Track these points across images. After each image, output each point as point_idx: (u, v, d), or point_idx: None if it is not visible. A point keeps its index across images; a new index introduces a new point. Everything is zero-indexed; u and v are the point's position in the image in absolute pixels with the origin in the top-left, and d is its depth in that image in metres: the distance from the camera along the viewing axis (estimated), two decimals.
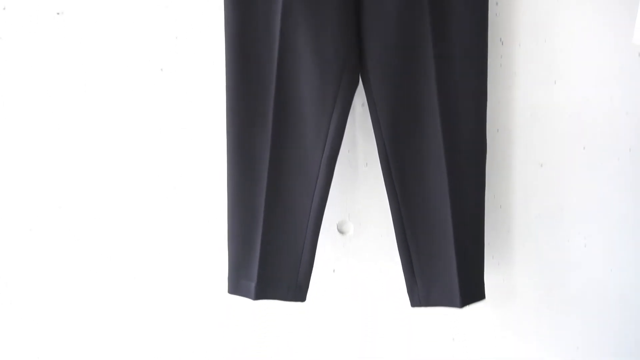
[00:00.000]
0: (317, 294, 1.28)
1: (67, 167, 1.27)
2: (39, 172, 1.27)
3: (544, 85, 1.27)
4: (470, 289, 1.18)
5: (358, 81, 1.14)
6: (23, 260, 1.29)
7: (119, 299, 1.31)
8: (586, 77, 1.27)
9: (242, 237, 1.17)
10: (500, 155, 1.28)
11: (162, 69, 1.23)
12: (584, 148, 1.30)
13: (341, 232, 1.30)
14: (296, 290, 1.17)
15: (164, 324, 1.32)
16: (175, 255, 1.30)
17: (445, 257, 1.16)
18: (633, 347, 1.36)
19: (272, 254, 1.16)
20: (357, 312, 1.34)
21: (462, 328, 1.34)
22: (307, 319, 1.33)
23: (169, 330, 1.33)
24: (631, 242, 1.33)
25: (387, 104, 1.13)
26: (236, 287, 1.19)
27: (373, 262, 1.31)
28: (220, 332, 1.33)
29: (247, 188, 1.15)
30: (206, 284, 1.31)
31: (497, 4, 1.21)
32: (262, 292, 1.16)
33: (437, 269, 1.18)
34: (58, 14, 1.21)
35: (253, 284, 1.16)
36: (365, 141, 1.26)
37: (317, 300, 1.29)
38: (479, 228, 1.20)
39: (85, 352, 1.32)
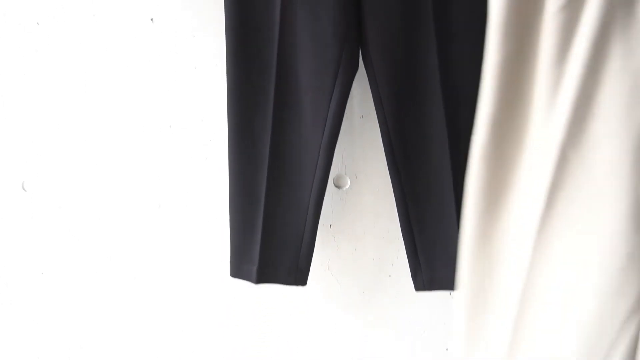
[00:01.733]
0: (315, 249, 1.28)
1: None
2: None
3: None
4: None
5: (357, 66, 1.13)
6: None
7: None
8: None
9: (243, 221, 1.17)
10: None
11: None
12: None
13: (338, 186, 1.30)
14: (297, 274, 1.18)
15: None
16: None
17: (449, 234, 1.14)
18: None
19: (273, 238, 1.17)
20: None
21: None
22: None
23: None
24: None
25: (387, 72, 1.11)
26: (238, 270, 1.20)
27: (370, 216, 1.31)
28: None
29: (248, 173, 1.16)
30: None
31: None
32: (264, 275, 1.17)
33: (441, 249, 1.16)
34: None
35: (254, 268, 1.17)
36: (361, 94, 1.24)
37: (314, 256, 1.29)
38: None
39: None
